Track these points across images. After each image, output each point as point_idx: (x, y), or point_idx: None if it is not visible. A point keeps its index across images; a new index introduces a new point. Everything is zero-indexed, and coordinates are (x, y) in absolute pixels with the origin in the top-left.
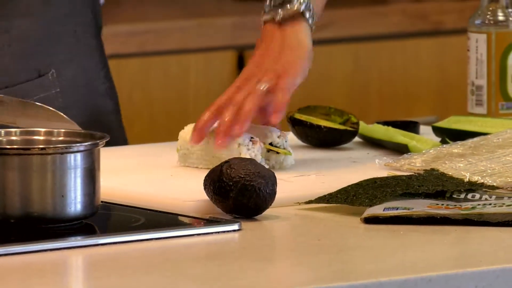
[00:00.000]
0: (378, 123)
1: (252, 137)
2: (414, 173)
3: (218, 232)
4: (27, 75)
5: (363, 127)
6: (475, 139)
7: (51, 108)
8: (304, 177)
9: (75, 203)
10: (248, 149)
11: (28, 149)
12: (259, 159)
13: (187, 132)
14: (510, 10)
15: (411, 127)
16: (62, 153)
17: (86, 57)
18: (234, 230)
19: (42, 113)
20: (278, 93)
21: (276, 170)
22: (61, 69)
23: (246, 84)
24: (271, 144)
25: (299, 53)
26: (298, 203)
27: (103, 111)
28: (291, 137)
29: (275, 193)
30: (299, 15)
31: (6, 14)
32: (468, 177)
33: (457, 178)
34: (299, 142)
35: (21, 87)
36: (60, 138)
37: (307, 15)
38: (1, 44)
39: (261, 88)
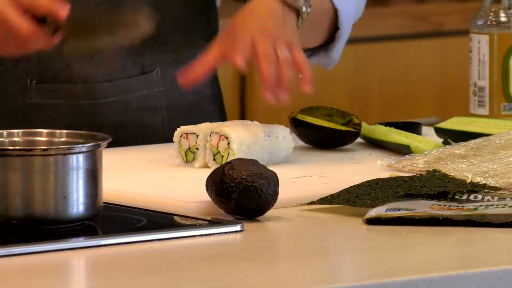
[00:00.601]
0: (380, 124)
1: None
2: (416, 174)
3: (220, 233)
4: (131, 70)
5: (365, 128)
6: (477, 140)
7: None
8: (306, 178)
9: (77, 204)
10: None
11: (30, 150)
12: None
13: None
14: None
15: (413, 128)
16: (64, 154)
17: (194, 59)
18: (236, 231)
19: None
20: (305, 66)
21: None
22: (167, 69)
23: (265, 45)
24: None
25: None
26: (300, 204)
27: (206, 115)
28: (293, 138)
29: (277, 194)
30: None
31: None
32: (470, 178)
33: (459, 179)
34: (301, 143)
35: (124, 81)
36: (63, 139)
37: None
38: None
39: (286, 60)
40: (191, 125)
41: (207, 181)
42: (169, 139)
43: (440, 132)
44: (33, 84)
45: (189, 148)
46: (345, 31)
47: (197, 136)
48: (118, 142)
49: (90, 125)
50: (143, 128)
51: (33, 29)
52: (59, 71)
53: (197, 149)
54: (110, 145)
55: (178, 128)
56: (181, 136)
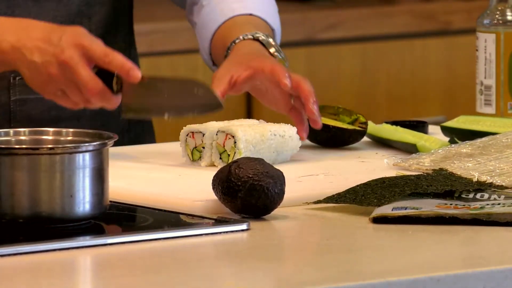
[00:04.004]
0: (386, 123)
1: None
2: (423, 173)
3: (227, 232)
4: None
5: (372, 127)
6: (484, 139)
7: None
8: (312, 177)
9: (84, 203)
10: None
11: (37, 149)
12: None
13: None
14: None
15: (419, 127)
16: (70, 153)
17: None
18: (242, 230)
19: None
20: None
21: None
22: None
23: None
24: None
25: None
26: (306, 203)
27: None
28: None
29: (283, 193)
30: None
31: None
32: (476, 177)
33: (466, 178)
34: (308, 142)
35: None
36: (69, 138)
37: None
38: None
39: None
40: (197, 124)
41: (214, 180)
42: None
43: (446, 131)
44: (16, 80)
45: (195, 147)
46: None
47: (203, 135)
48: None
49: (72, 117)
50: (107, 116)
51: (100, 86)
52: None
53: (204, 148)
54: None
55: (184, 127)
56: (187, 135)
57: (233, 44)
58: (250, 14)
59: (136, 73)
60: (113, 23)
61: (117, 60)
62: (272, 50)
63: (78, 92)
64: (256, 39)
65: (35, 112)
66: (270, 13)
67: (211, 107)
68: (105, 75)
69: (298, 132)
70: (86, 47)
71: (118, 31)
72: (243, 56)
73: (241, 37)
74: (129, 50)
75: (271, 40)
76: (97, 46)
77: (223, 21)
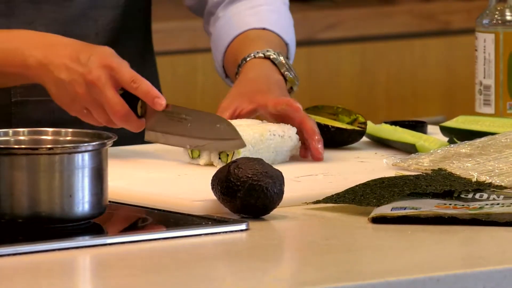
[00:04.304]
0: (385, 123)
1: None
2: (422, 173)
3: (226, 232)
4: None
5: (371, 127)
6: (483, 139)
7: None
8: (311, 177)
9: (83, 203)
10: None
11: (36, 149)
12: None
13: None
14: None
15: (418, 127)
16: (70, 153)
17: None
18: (241, 230)
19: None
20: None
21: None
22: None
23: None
24: None
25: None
26: (305, 203)
27: None
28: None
29: (282, 193)
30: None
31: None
32: (476, 177)
33: (465, 178)
34: None
35: None
36: (68, 138)
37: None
38: (90, 32)
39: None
40: None
41: (213, 180)
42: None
43: (445, 131)
44: None
45: None
46: (292, 60)
47: None
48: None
49: (74, 121)
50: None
51: (126, 110)
52: None
53: None
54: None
55: None
56: None
57: (244, 61)
58: (264, 28)
59: (161, 101)
60: (123, 27)
61: (143, 86)
62: (283, 69)
63: (103, 112)
64: (267, 58)
65: (37, 114)
66: (284, 26)
67: (232, 145)
68: (130, 97)
69: (300, 155)
70: (114, 69)
71: (130, 36)
72: (248, 86)
73: (252, 54)
74: (143, 56)
75: (282, 58)
76: (125, 70)
77: (236, 34)
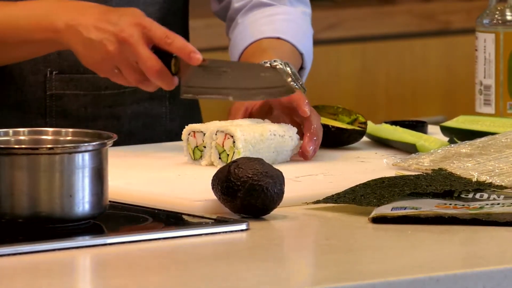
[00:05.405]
0: (386, 122)
1: None
2: (422, 172)
3: (226, 232)
4: None
5: (371, 126)
6: (483, 138)
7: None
8: (312, 177)
9: (83, 202)
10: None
11: (36, 148)
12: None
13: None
14: None
15: (419, 126)
16: (70, 153)
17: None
18: (242, 230)
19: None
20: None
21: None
22: None
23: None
24: None
25: None
26: (306, 203)
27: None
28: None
29: (283, 192)
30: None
31: None
32: (476, 177)
33: (465, 178)
34: None
35: None
36: (68, 138)
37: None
38: None
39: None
40: (199, 123)
41: (213, 180)
42: (171, 130)
43: (446, 130)
44: (53, 75)
45: (197, 146)
46: (308, 69)
47: (204, 134)
48: (131, 132)
49: (108, 115)
50: (151, 118)
51: (160, 66)
52: (78, 61)
53: (205, 147)
54: (126, 136)
55: (186, 126)
56: (189, 134)
57: None
58: (278, 38)
59: (198, 56)
60: (162, 23)
61: (177, 42)
62: (288, 79)
63: (134, 71)
64: (274, 68)
65: (72, 108)
66: (299, 35)
67: (281, 92)
68: (163, 56)
69: (299, 154)
70: (146, 27)
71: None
72: None
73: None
74: None
75: (289, 69)
76: (158, 27)
77: (250, 42)
